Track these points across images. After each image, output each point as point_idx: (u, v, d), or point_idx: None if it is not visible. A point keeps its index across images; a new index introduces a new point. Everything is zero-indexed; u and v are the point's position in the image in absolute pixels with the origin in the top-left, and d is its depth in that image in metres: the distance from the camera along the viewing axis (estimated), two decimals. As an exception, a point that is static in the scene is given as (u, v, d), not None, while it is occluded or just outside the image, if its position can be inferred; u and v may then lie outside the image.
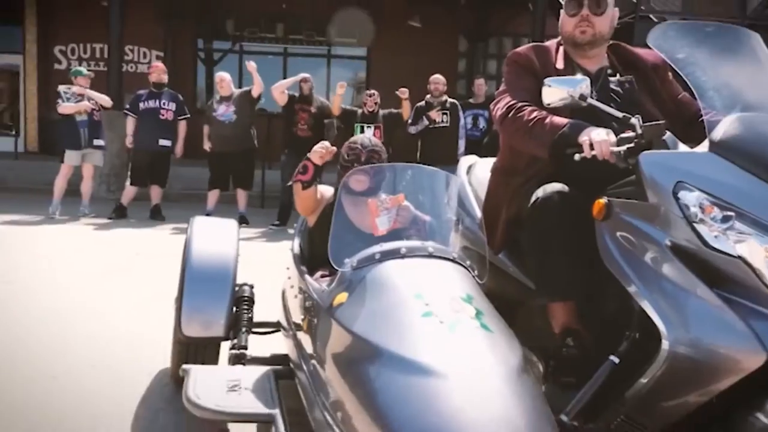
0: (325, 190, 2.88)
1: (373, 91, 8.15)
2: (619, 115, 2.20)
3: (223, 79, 8.44)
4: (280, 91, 8.16)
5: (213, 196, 8.50)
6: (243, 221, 8.31)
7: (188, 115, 8.89)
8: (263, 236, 7.85)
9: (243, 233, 7.96)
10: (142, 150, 8.60)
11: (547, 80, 2.35)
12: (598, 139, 2.16)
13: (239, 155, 8.37)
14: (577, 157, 2.21)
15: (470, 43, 16.02)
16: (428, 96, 8.39)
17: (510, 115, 2.52)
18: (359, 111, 8.14)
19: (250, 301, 2.85)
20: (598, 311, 2.25)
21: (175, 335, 2.78)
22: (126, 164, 9.64)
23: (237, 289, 2.85)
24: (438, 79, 8.45)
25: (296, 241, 2.87)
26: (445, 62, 14.12)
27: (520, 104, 2.52)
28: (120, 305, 4.58)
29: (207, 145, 8.47)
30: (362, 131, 7.99)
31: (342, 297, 1.92)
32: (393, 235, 2.27)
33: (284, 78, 15.03)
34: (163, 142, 8.58)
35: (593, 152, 2.16)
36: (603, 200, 2.08)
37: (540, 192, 2.33)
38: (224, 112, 8.33)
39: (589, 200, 2.19)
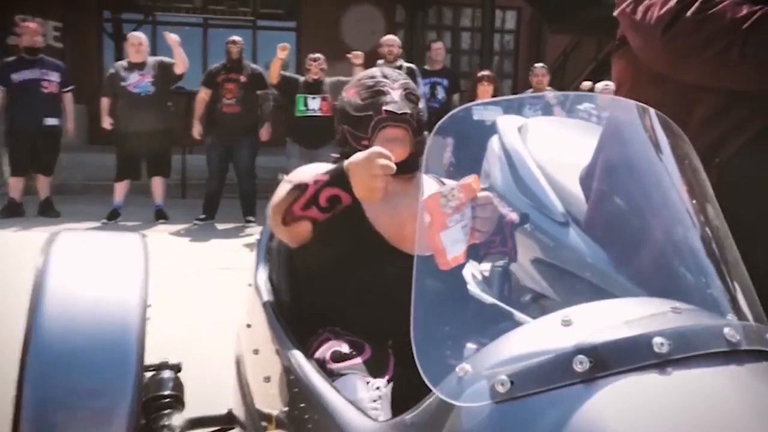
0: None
1: (318, 55, 6.70)
2: None
3: (140, 41, 6.82)
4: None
5: (122, 187, 6.84)
6: (161, 216, 6.85)
7: (73, 87, 7.23)
8: (188, 235, 6.38)
9: (162, 231, 6.54)
10: (23, 131, 6.82)
11: None
12: None
13: (155, 136, 6.74)
14: None
15: (408, 13, 14.79)
16: (380, 61, 7.03)
17: (690, 15, 1.27)
18: (301, 79, 6.71)
19: (174, 401, 1.46)
20: None
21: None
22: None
23: (148, 377, 1.47)
24: (392, 41, 7.16)
25: (261, 271, 1.52)
26: (382, 34, 12.85)
27: None
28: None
29: (107, 123, 6.79)
30: (305, 104, 6.59)
31: None
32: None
33: (204, 51, 13.73)
34: (49, 121, 6.83)
35: None
36: None
37: None
38: (138, 82, 6.69)
39: None
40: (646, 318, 0.76)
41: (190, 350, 2.91)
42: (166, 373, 1.50)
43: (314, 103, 6.56)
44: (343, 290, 1.53)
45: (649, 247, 1.08)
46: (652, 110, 1.08)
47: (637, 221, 1.14)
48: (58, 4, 12.66)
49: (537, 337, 0.75)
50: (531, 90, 7.72)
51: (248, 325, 1.58)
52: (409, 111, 1.61)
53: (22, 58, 6.88)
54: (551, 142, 1.99)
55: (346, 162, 1.44)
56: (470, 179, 1.31)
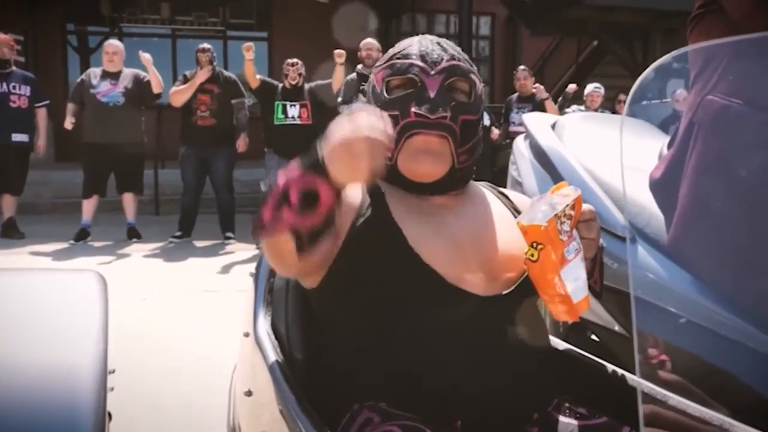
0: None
1: (295, 60, 6.36)
2: None
3: (115, 49, 6.41)
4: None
5: (90, 204, 6.40)
6: (134, 235, 6.45)
7: (47, 101, 6.81)
8: (164, 254, 5.98)
9: (136, 251, 6.14)
10: None
11: None
12: None
13: (124, 149, 6.33)
14: None
15: (382, 21, 14.56)
16: (359, 66, 6.72)
17: None
18: (279, 85, 6.36)
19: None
20: None
21: None
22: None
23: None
24: (371, 45, 6.82)
25: (261, 318, 1.18)
26: (355, 42, 12.49)
27: None
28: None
29: (69, 123, 6.29)
30: (284, 111, 6.24)
31: None
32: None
33: (174, 62, 13.28)
34: (17, 137, 6.43)
35: None
36: None
37: None
38: (108, 91, 6.28)
39: None
40: None
41: (171, 417, 2.48)
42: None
43: (293, 111, 6.24)
44: (385, 346, 1.10)
45: None
46: None
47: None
48: (19, 17, 12.22)
49: None
50: (515, 94, 7.47)
51: (248, 393, 1.20)
52: (448, 113, 1.15)
53: None
54: (595, 142, 1.69)
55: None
56: (573, 191, 1.00)
